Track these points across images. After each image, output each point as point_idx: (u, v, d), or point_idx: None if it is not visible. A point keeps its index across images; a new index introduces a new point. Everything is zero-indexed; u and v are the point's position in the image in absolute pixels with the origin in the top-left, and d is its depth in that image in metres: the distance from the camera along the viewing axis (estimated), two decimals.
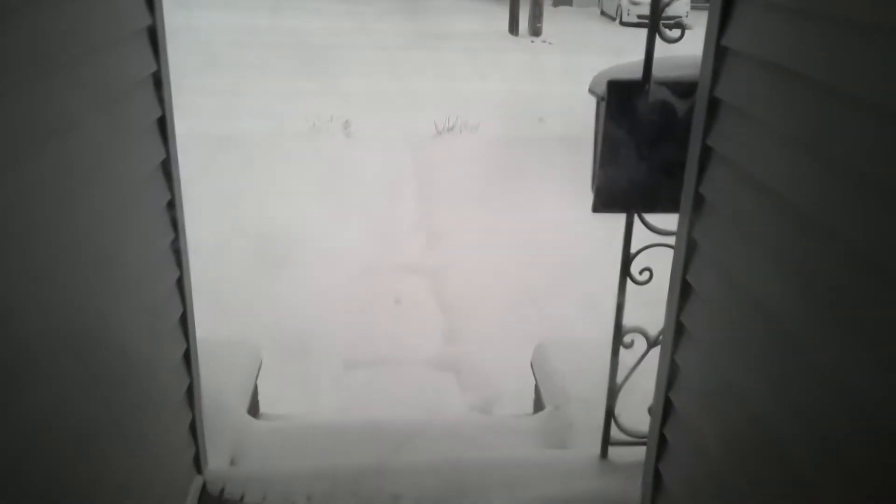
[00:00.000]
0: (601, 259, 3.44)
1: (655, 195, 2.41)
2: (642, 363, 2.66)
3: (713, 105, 1.99)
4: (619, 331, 2.66)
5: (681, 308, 2.21)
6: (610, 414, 2.79)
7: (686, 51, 2.30)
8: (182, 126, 2.42)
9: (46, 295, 1.59)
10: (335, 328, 4.87)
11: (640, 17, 19.48)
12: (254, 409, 3.61)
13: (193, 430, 2.71)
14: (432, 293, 5.54)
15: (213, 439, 2.87)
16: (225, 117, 9.70)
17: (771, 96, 1.74)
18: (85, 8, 1.78)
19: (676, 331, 2.25)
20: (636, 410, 2.66)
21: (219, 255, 5.45)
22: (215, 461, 2.88)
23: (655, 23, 2.26)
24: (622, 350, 2.68)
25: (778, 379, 1.73)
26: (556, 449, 3.20)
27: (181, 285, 2.48)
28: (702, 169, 2.06)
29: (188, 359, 2.58)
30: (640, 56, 2.32)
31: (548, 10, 20.45)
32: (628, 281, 2.59)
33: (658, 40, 2.28)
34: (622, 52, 8.97)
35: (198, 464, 2.78)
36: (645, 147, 2.36)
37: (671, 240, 2.31)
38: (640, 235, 2.51)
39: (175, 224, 2.40)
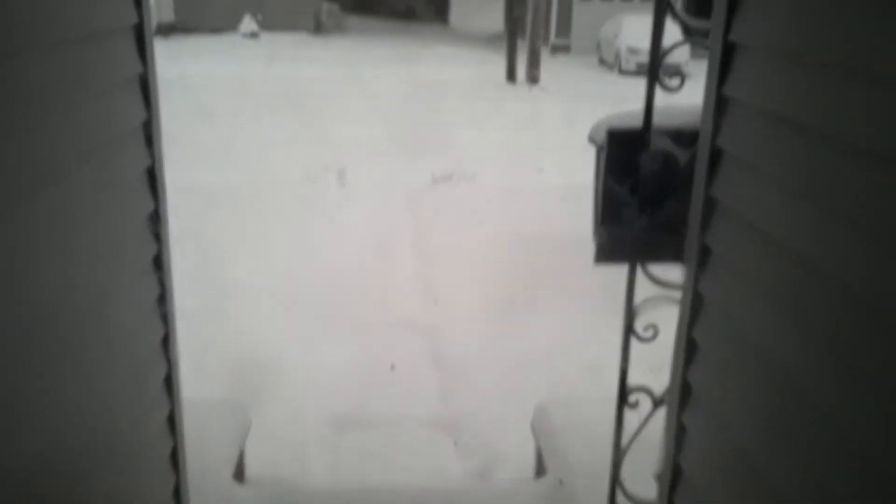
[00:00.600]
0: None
1: (658, 246, 2.35)
2: (650, 424, 2.55)
3: (715, 155, 1.96)
4: (623, 391, 2.56)
5: (687, 366, 2.13)
6: (615, 482, 2.67)
7: (686, 100, 2.27)
8: (171, 177, 2.36)
9: (26, 350, 1.54)
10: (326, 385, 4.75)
11: (638, 65, 19.62)
12: (240, 474, 3.48)
13: (178, 494, 2.59)
14: (428, 352, 5.42)
15: None
16: (216, 168, 9.69)
17: (773, 146, 1.72)
18: (75, 56, 1.75)
19: (683, 390, 2.16)
20: (644, 474, 2.54)
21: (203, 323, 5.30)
22: None
23: (655, 71, 2.24)
24: (627, 411, 2.57)
25: (793, 444, 1.65)
26: None
27: (167, 343, 2.40)
28: (706, 220, 2.01)
29: (173, 420, 2.48)
30: (639, 104, 2.28)
31: (545, 59, 20.65)
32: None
33: (658, 89, 2.25)
34: (621, 100, 9.01)
35: None
36: (646, 197, 2.30)
37: (677, 293, 2.23)
38: (646, 289, 2.44)
39: (162, 280, 2.33)
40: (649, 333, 2.45)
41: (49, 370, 1.61)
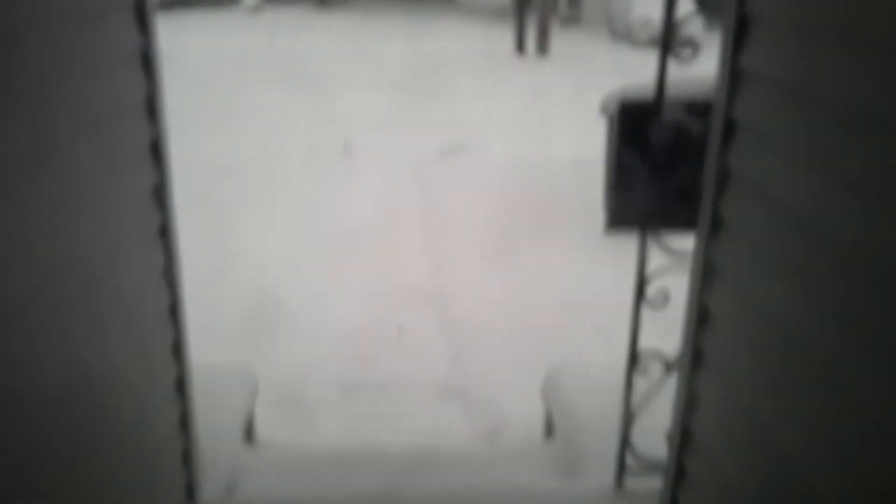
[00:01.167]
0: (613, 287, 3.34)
1: (669, 215, 2.34)
2: (659, 388, 2.56)
3: (729, 126, 1.96)
4: (634, 355, 2.57)
5: (698, 333, 2.14)
6: (625, 442, 2.68)
7: (698, 71, 2.25)
8: (177, 150, 2.36)
9: (34, 318, 1.55)
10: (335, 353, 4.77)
11: (650, 36, 19.40)
12: (250, 436, 3.50)
13: (186, 457, 2.62)
14: (437, 320, 5.43)
15: (208, 468, 2.77)
16: (221, 141, 9.65)
17: (787, 117, 1.72)
18: (77, 31, 1.74)
19: (694, 356, 2.17)
20: (652, 437, 2.55)
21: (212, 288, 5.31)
22: (209, 490, 2.78)
23: (667, 42, 2.21)
24: (638, 376, 2.58)
25: (802, 408, 1.67)
26: (568, 477, 3.08)
27: (174, 310, 2.41)
28: (719, 190, 2.01)
29: (181, 384, 2.50)
30: (650, 76, 2.26)
31: (555, 30, 20.42)
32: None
33: (669, 60, 2.23)
34: (632, 72, 8.90)
35: (190, 493, 2.68)
36: (657, 167, 2.29)
37: (687, 262, 2.23)
38: (657, 258, 2.43)
39: (168, 249, 2.34)
40: (660, 300, 2.45)
41: (58, 337, 1.62)
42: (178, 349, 2.46)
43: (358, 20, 23.69)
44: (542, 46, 18.64)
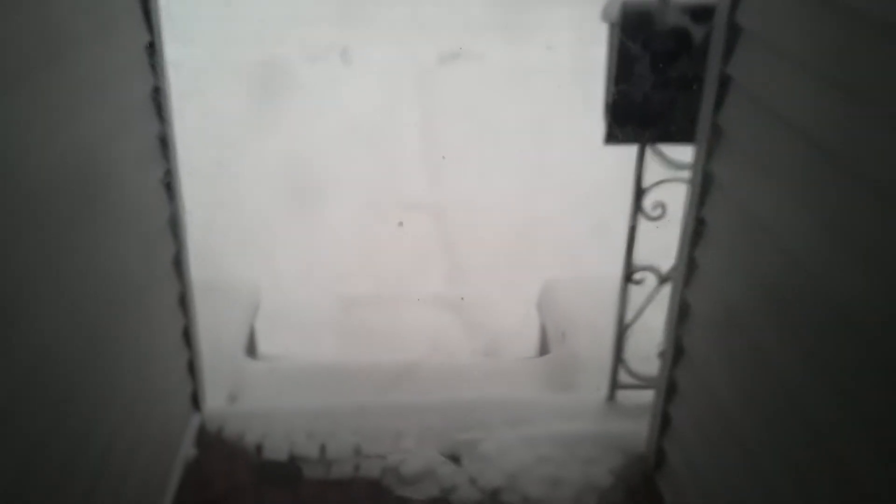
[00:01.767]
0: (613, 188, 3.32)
1: (669, 123, 2.33)
2: (652, 300, 2.58)
3: (733, 31, 1.89)
4: (629, 268, 2.58)
5: (694, 244, 2.14)
6: (618, 357, 2.73)
7: None
8: (169, 53, 2.29)
9: (36, 223, 1.53)
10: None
11: None
12: (252, 351, 3.56)
13: (192, 368, 2.67)
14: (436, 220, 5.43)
15: (212, 380, 2.83)
16: (212, 45, 9.40)
17: (796, 22, 1.64)
18: None
19: (689, 268, 2.17)
20: (646, 350, 2.60)
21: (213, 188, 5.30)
22: (214, 401, 2.85)
23: None
24: (634, 289, 2.60)
25: (795, 322, 1.67)
26: (561, 391, 3.16)
27: (174, 224, 2.40)
28: (720, 99, 1.97)
29: (184, 299, 2.52)
30: None
31: None
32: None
33: None
34: None
35: (196, 402, 2.75)
36: (660, 74, 2.25)
37: (686, 175, 2.22)
38: (654, 170, 2.42)
39: (168, 158, 2.31)
40: (658, 212, 2.45)
41: (55, 244, 1.61)
42: (179, 263, 2.47)
43: None
44: None
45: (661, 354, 2.39)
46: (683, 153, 2.28)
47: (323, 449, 2.65)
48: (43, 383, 1.56)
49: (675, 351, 2.29)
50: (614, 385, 2.80)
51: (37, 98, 1.52)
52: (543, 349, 3.66)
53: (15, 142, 1.45)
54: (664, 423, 2.42)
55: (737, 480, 1.94)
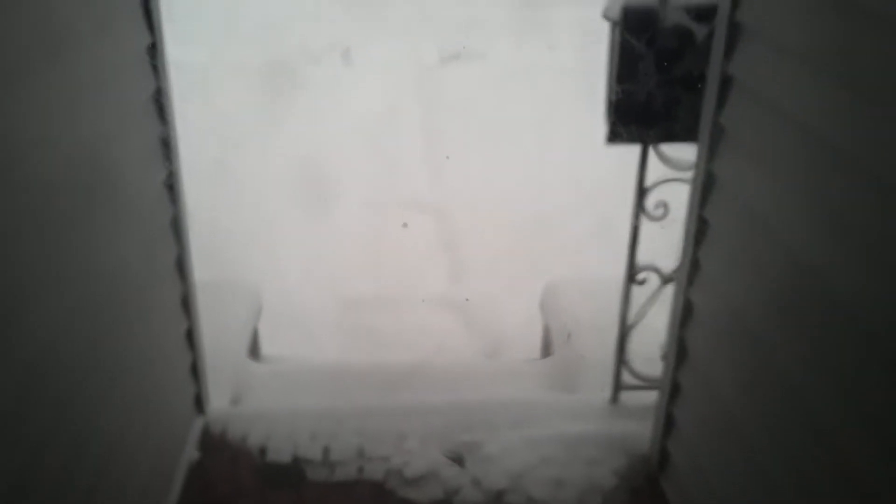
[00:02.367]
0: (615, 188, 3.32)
1: (671, 123, 2.32)
2: (659, 304, 2.57)
3: (734, 30, 1.88)
4: (632, 268, 2.57)
5: (697, 244, 2.13)
6: (621, 358, 2.72)
7: None
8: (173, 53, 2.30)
9: (36, 224, 1.53)
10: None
11: None
12: (255, 352, 3.56)
13: (195, 370, 2.67)
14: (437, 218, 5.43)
15: (215, 382, 2.83)
16: (213, 45, 9.40)
17: (797, 19, 1.63)
18: None
19: (692, 268, 2.17)
20: (649, 351, 2.59)
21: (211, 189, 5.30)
22: (217, 403, 2.84)
23: None
24: (638, 289, 2.59)
25: (799, 323, 1.67)
26: (564, 393, 3.15)
27: (177, 225, 2.40)
28: (722, 98, 1.96)
29: (186, 301, 2.52)
30: None
31: None
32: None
33: None
34: None
35: (199, 404, 2.75)
36: (661, 73, 2.25)
37: (688, 175, 2.21)
38: (656, 169, 2.41)
39: (170, 160, 2.31)
40: (660, 212, 2.44)
41: (56, 245, 1.61)
42: (181, 265, 2.47)
43: None
44: None
45: (665, 356, 2.38)
46: (686, 152, 2.27)
47: (326, 451, 2.65)
48: (44, 385, 1.56)
49: (679, 352, 2.28)
50: (618, 386, 2.79)
51: (36, 97, 1.52)
52: (547, 350, 3.65)
53: (15, 141, 1.45)
54: (668, 424, 2.41)
55: (741, 481, 1.94)
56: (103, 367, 1.86)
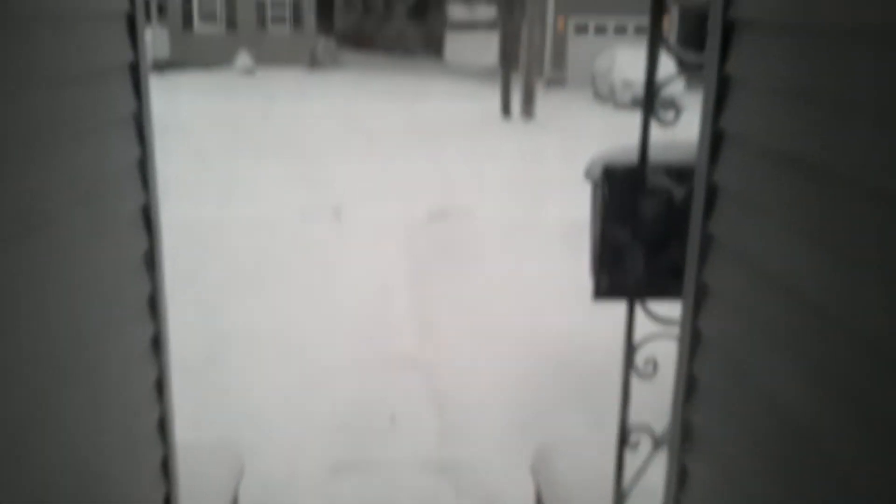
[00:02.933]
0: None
1: (657, 283, 2.33)
2: (648, 465, 2.50)
3: (712, 190, 1.94)
4: (624, 431, 2.51)
5: (687, 404, 2.09)
6: None
7: (683, 133, 2.25)
8: (165, 215, 2.34)
9: (24, 384, 1.51)
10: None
11: (633, 97, 19.69)
12: None
13: None
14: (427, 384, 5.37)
15: None
16: (216, 206, 9.64)
17: (770, 181, 1.69)
18: (71, 95, 1.74)
19: (683, 430, 2.11)
20: None
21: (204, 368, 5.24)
22: None
23: (650, 105, 2.22)
24: (631, 455, 2.52)
25: (795, 483, 1.60)
26: None
27: (161, 387, 2.36)
28: (703, 256, 1.98)
29: (167, 465, 2.43)
30: (635, 139, 2.27)
31: (540, 92, 20.76)
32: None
33: (655, 123, 2.24)
34: (616, 133, 9.01)
35: None
36: (643, 232, 2.28)
37: (675, 332, 2.20)
38: (646, 325, 2.41)
39: (157, 320, 2.30)
40: (649, 369, 2.42)
41: (38, 411, 1.58)
42: (163, 427, 2.40)
43: (349, 81, 24.10)
44: (528, 110, 18.95)
45: None
46: (674, 309, 2.27)
47: None
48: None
49: None
50: None
51: (23, 263, 1.53)
52: None
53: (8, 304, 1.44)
54: None
55: None
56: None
